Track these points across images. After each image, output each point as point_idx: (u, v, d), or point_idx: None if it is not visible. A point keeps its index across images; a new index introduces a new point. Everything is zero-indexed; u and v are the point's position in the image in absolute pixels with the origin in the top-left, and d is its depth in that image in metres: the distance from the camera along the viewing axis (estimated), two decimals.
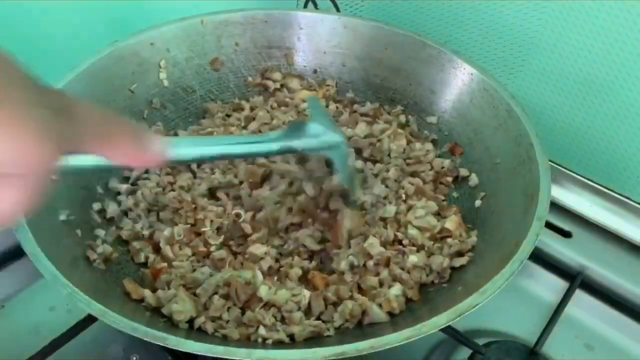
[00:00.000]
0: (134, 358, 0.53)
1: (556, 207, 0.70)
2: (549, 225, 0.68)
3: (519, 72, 0.75)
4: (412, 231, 0.57)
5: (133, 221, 0.58)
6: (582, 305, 0.62)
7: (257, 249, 0.55)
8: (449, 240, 0.56)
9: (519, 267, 0.45)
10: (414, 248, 0.55)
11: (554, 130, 0.76)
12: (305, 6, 0.82)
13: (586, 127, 0.74)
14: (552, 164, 0.68)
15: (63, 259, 0.47)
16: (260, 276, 0.52)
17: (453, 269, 0.54)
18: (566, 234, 0.68)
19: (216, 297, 0.50)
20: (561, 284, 0.64)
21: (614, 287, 0.64)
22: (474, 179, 0.63)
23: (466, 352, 0.56)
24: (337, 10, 0.83)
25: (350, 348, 0.39)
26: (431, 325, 0.41)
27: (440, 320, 0.41)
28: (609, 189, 0.69)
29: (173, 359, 0.52)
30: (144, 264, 0.56)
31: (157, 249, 0.56)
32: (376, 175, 0.64)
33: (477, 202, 0.61)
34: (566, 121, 0.74)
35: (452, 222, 0.58)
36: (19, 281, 0.59)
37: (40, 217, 0.49)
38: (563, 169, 0.70)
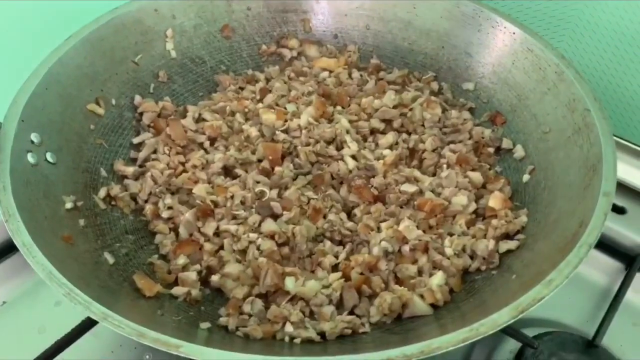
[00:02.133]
0: (147, 357, 0.48)
1: None
2: None
3: (564, 31, 0.67)
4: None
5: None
6: None
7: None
8: (493, 221, 0.50)
9: (587, 252, 0.39)
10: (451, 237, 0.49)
11: (607, 96, 0.68)
12: None
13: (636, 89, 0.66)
14: None
15: (62, 252, 0.42)
16: None
17: (502, 254, 0.48)
18: (620, 210, 0.61)
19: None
20: (617, 267, 0.57)
21: None
22: (519, 151, 0.57)
23: (514, 344, 0.49)
24: None
25: (397, 353, 0.33)
26: (490, 325, 0.35)
27: (501, 318, 0.35)
28: None
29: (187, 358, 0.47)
30: (156, 253, 0.50)
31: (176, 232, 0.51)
32: (411, 149, 0.57)
33: (525, 177, 0.54)
34: (621, 84, 0.66)
35: (496, 200, 0.52)
36: (20, 275, 0.54)
37: (37, 205, 0.44)
38: (618, 139, 0.61)
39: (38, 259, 0.38)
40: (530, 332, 0.50)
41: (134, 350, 0.48)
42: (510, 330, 0.47)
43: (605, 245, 0.59)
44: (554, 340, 0.50)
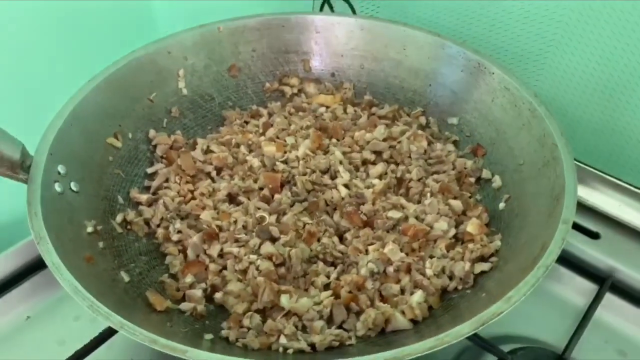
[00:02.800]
0: None
1: (583, 207, 0.67)
2: (576, 227, 0.66)
3: (540, 71, 0.73)
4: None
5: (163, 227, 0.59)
6: (613, 309, 0.60)
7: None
8: (470, 245, 0.55)
9: (544, 273, 0.44)
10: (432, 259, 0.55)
11: (579, 129, 0.73)
12: (321, 9, 0.82)
13: (613, 125, 0.71)
14: (579, 163, 0.67)
15: (84, 271, 0.48)
16: None
17: (477, 274, 0.53)
18: (594, 235, 0.66)
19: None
20: (590, 287, 0.62)
21: None
22: (497, 181, 0.62)
23: (491, 359, 0.54)
24: (353, 12, 0.83)
25: (372, 358, 0.38)
26: (454, 335, 0.40)
27: (463, 329, 0.40)
28: (637, 188, 0.66)
29: None
30: (166, 272, 0.56)
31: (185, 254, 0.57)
32: (398, 178, 0.63)
33: (501, 205, 0.59)
34: (592, 119, 0.72)
35: (473, 226, 0.57)
36: (43, 292, 0.60)
37: (63, 229, 0.50)
38: (590, 168, 0.68)
39: (65, 276, 0.44)
40: (506, 348, 0.55)
41: None
42: (487, 346, 0.53)
43: (580, 267, 0.64)
44: (527, 355, 0.55)
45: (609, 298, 0.60)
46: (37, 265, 0.61)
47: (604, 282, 0.61)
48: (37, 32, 0.78)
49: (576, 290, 0.62)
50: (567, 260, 0.64)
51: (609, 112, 0.71)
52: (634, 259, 0.63)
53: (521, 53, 0.73)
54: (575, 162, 0.61)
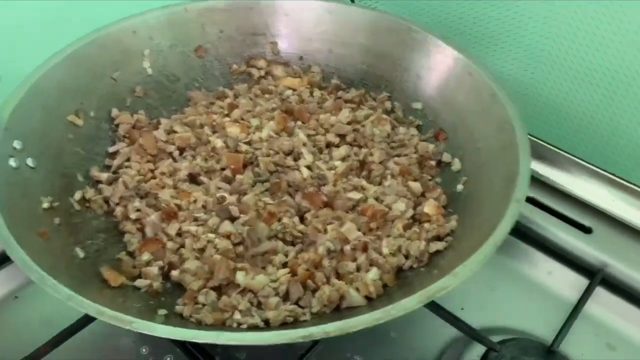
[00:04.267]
0: (144, 350, 0.53)
1: (575, 201, 0.67)
2: (569, 221, 0.66)
3: (534, 69, 0.73)
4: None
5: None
6: (603, 303, 0.60)
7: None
8: (426, 225, 0.56)
9: (492, 250, 0.44)
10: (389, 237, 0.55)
11: (574, 123, 0.73)
12: None
13: (608, 119, 0.71)
14: (571, 156, 0.67)
15: (38, 246, 0.47)
16: None
17: (432, 253, 0.54)
18: (586, 230, 0.66)
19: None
20: (581, 281, 0.61)
21: (636, 284, 0.61)
22: (456, 164, 0.63)
23: (480, 349, 0.54)
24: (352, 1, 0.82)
25: (318, 330, 0.39)
26: (400, 308, 0.40)
27: (411, 302, 0.41)
28: (630, 182, 0.66)
29: (182, 351, 0.52)
30: (124, 250, 0.56)
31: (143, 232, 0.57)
32: (361, 161, 0.63)
33: (459, 187, 0.60)
34: (587, 113, 0.71)
35: (430, 207, 0.58)
36: None
37: (16, 204, 0.50)
38: (582, 162, 0.67)
39: (14, 249, 0.43)
40: (496, 339, 0.55)
41: (132, 344, 0.54)
42: (477, 336, 0.53)
43: (571, 261, 0.64)
44: (516, 346, 0.54)
45: (600, 292, 0.60)
46: None
47: (595, 276, 0.61)
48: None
49: (568, 284, 0.62)
50: (560, 254, 0.64)
51: (599, 104, 0.70)
52: (625, 253, 0.63)
53: (517, 45, 0.73)
54: (568, 154, 0.63)
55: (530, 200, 0.67)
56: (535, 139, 0.68)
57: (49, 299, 0.56)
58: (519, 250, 0.65)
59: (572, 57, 0.69)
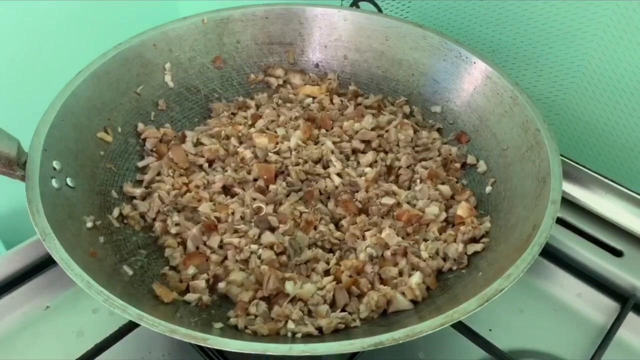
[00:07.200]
0: None
1: (606, 224, 0.67)
2: (600, 244, 0.66)
3: (567, 89, 0.73)
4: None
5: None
6: (635, 329, 0.59)
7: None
8: (462, 227, 0.58)
9: (539, 250, 0.47)
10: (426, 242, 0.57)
11: (606, 144, 0.72)
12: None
13: (635, 139, 0.69)
14: (603, 178, 0.67)
15: (92, 266, 0.48)
16: None
17: (470, 255, 0.56)
18: (617, 253, 0.65)
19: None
20: (612, 306, 0.61)
21: None
22: (482, 166, 0.65)
23: None
24: (380, 11, 0.83)
25: (387, 337, 0.40)
26: (462, 311, 0.42)
27: (470, 305, 0.42)
28: None
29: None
30: (166, 265, 0.56)
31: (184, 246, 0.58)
32: (388, 166, 0.65)
33: (488, 188, 0.62)
34: (620, 134, 0.70)
35: (463, 209, 0.60)
36: (62, 282, 0.59)
37: (65, 225, 0.50)
38: (614, 184, 0.67)
39: (76, 271, 0.44)
40: None
41: (163, 357, 0.54)
42: (505, 358, 0.53)
43: (602, 285, 0.63)
44: None
45: (632, 317, 0.60)
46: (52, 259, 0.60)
47: (627, 301, 0.60)
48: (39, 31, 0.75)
49: (598, 308, 0.62)
50: (590, 277, 0.64)
51: (634, 126, 0.69)
52: None
53: (551, 65, 0.73)
54: (600, 176, 0.63)
55: (560, 222, 0.68)
56: (566, 160, 0.68)
57: (80, 310, 0.58)
58: (548, 271, 0.65)
59: (607, 77, 0.69)
